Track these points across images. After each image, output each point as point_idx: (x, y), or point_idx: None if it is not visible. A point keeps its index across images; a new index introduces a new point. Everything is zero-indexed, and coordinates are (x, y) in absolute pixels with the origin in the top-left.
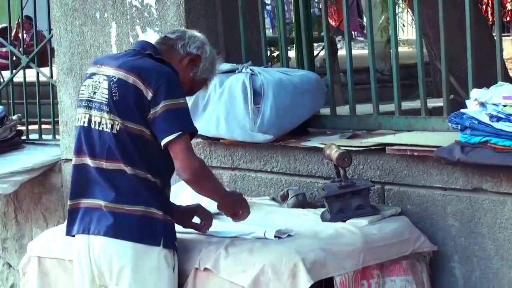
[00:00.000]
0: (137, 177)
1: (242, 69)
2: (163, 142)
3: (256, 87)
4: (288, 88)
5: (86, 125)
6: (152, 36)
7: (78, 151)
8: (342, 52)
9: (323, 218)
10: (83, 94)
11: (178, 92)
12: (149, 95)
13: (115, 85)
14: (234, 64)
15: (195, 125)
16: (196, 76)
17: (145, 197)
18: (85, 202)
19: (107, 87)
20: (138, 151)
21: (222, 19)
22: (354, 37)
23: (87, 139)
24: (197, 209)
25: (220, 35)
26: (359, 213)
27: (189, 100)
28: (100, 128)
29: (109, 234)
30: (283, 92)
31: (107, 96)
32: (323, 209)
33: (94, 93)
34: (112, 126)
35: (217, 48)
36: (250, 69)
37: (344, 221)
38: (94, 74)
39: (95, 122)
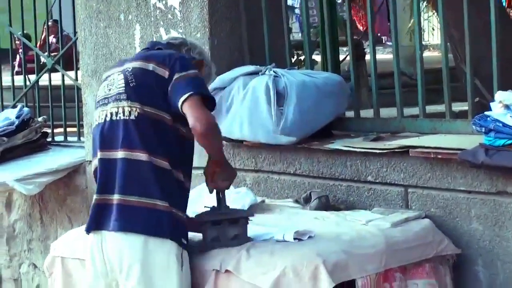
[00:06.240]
0: (150, 166)
1: (265, 71)
2: (178, 105)
3: (280, 89)
4: (312, 90)
5: (102, 121)
6: None
7: (99, 147)
8: (369, 57)
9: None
10: (99, 95)
11: (190, 67)
12: (166, 74)
13: (131, 73)
14: (258, 66)
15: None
16: None
17: (153, 187)
18: (101, 197)
19: (123, 77)
20: (158, 137)
21: (246, 21)
22: (384, 41)
23: (104, 133)
24: None
25: (243, 37)
26: (236, 243)
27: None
28: (117, 118)
29: (117, 228)
30: (306, 94)
31: (123, 85)
32: (346, 212)
33: (110, 89)
34: (130, 112)
35: (241, 50)
36: (274, 71)
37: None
38: (108, 76)
39: (111, 113)
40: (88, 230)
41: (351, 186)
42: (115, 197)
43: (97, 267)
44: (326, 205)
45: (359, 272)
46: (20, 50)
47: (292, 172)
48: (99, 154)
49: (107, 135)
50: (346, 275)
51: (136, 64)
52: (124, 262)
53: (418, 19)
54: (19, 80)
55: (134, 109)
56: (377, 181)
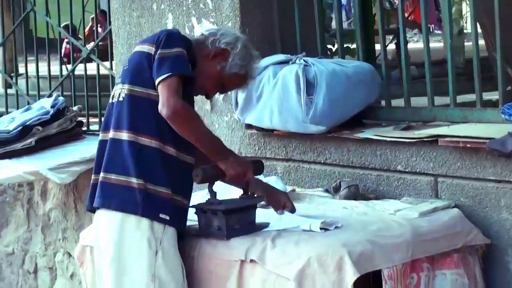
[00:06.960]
0: (132, 144)
1: (295, 60)
2: (156, 86)
3: (309, 78)
4: (342, 79)
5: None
6: (207, 27)
7: (101, 130)
8: (413, 46)
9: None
10: None
11: (174, 43)
12: (153, 50)
13: (128, 58)
14: (288, 55)
15: (249, 115)
16: (225, 70)
17: (130, 165)
18: (94, 177)
19: (123, 64)
20: (145, 115)
21: (277, 10)
22: (431, 30)
23: (104, 117)
24: (273, 191)
25: (275, 27)
26: (219, 233)
27: (242, 92)
28: (113, 101)
29: (98, 204)
30: (336, 83)
31: (121, 71)
32: (375, 201)
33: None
34: (119, 94)
35: (272, 39)
36: (304, 60)
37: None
38: None
39: (111, 97)
40: (87, 210)
41: (381, 176)
42: (100, 176)
43: (98, 244)
44: (356, 194)
45: (385, 262)
46: (66, 40)
47: (322, 161)
48: (99, 136)
49: (105, 118)
50: (372, 265)
51: (136, 48)
52: (103, 239)
53: (449, 8)
54: (56, 69)
55: (123, 90)
56: (407, 170)
